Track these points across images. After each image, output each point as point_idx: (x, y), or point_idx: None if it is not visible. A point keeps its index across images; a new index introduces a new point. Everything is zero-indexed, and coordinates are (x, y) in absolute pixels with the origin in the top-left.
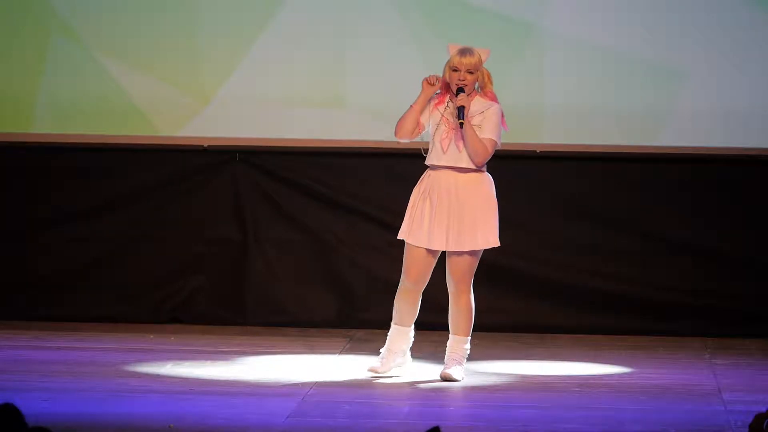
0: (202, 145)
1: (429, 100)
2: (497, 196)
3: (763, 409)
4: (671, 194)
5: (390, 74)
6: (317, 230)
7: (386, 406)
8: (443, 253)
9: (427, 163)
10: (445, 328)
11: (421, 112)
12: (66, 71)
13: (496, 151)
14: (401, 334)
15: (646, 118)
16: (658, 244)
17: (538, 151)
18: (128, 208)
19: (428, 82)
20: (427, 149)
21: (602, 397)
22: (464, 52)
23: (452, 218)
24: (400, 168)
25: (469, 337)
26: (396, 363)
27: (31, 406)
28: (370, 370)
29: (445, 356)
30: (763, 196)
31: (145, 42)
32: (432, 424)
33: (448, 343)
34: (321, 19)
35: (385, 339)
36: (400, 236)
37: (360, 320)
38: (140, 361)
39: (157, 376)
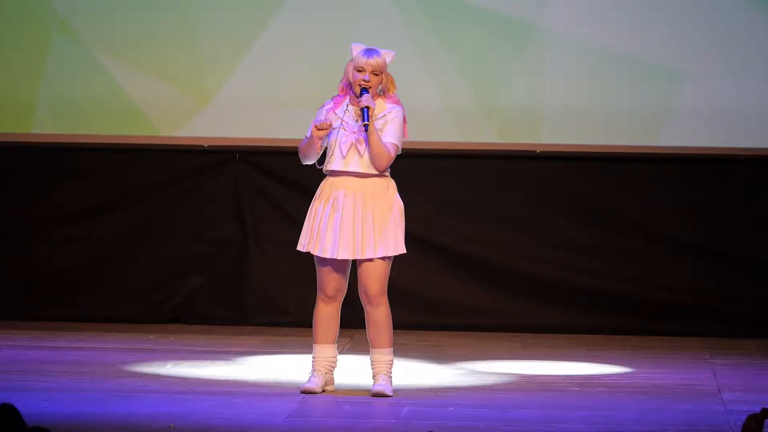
0: (202, 145)
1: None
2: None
3: (758, 410)
4: (671, 194)
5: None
6: None
7: (386, 406)
8: (354, 264)
9: (325, 170)
10: (442, 328)
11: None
12: (66, 71)
13: (498, 150)
14: (323, 351)
15: (646, 118)
16: (658, 244)
17: (538, 151)
18: (128, 208)
19: (318, 128)
20: (322, 160)
21: (602, 397)
22: (370, 52)
23: (359, 226)
24: (399, 167)
25: (392, 348)
26: (324, 382)
27: (31, 406)
28: (303, 392)
29: (373, 372)
30: (763, 196)
31: (145, 42)
32: (429, 426)
33: (373, 358)
34: (321, 19)
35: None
36: (299, 248)
37: (360, 320)
38: (140, 361)
39: (157, 376)
